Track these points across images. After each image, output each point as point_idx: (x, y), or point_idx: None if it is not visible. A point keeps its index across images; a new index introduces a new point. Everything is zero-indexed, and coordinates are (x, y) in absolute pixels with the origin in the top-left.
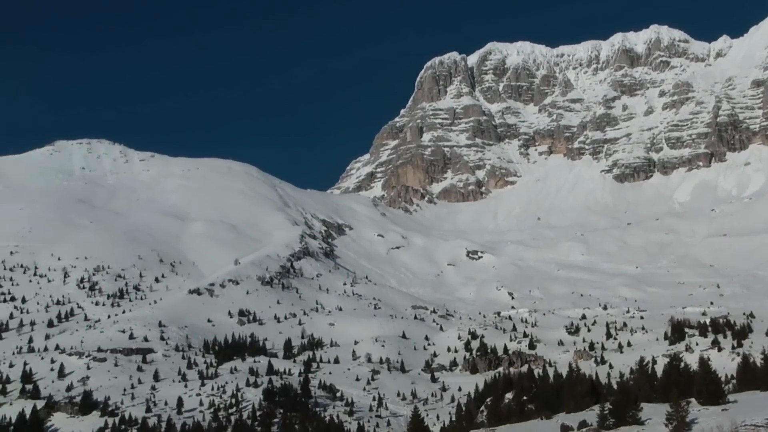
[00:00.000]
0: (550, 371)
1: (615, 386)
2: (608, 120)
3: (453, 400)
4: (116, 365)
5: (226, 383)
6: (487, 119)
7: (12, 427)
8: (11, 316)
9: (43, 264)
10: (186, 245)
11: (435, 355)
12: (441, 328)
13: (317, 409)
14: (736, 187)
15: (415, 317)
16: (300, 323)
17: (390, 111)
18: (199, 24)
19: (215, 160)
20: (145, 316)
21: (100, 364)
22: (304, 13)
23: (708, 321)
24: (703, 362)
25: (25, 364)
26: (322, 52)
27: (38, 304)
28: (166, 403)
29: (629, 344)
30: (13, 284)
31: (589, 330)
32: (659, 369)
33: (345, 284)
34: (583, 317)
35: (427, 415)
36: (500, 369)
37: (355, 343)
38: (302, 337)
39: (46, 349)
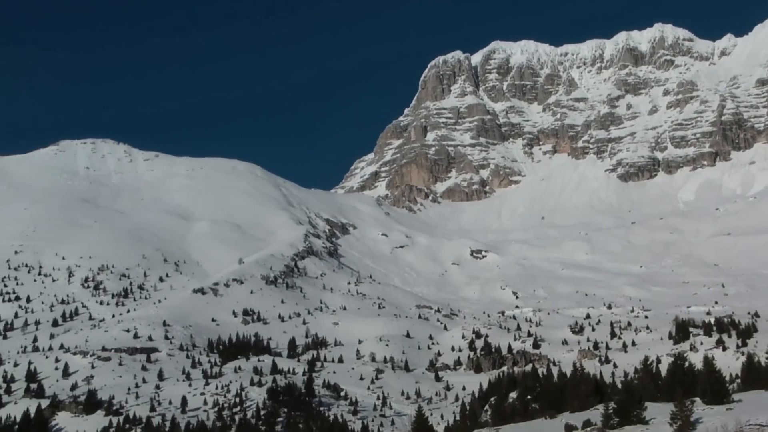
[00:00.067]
0: (555, 371)
1: (619, 386)
2: (612, 119)
3: (457, 399)
4: (120, 364)
5: (230, 382)
6: (491, 118)
7: (17, 426)
8: (16, 316)
9: (47, 263)
10: (190, 245)
11: (439, 354)
12: (445, 328)
13: (321, 408)
14: (741, 186)
15: (420, 316)
16: (304, 322)
17: (394, 110)
18: (200, 24)
19: (219, 160)
20: (150, 316)
21: (105, 363)
22: (308, 12)
23: (712, 320)
24: (708, 362)
25: (30, 363)
26: (326, 51)
27: (43, 303)
28: (170, 403)
29: (633, 344)
30: (17, 284)
31: (593, 329)
32: (663, 368)
33: (349, 283)
34: (588, 316)
35: (431, 414)
36: (504, 368)
37: (359, 342)
38: (306, 337)
39: (50, 349)
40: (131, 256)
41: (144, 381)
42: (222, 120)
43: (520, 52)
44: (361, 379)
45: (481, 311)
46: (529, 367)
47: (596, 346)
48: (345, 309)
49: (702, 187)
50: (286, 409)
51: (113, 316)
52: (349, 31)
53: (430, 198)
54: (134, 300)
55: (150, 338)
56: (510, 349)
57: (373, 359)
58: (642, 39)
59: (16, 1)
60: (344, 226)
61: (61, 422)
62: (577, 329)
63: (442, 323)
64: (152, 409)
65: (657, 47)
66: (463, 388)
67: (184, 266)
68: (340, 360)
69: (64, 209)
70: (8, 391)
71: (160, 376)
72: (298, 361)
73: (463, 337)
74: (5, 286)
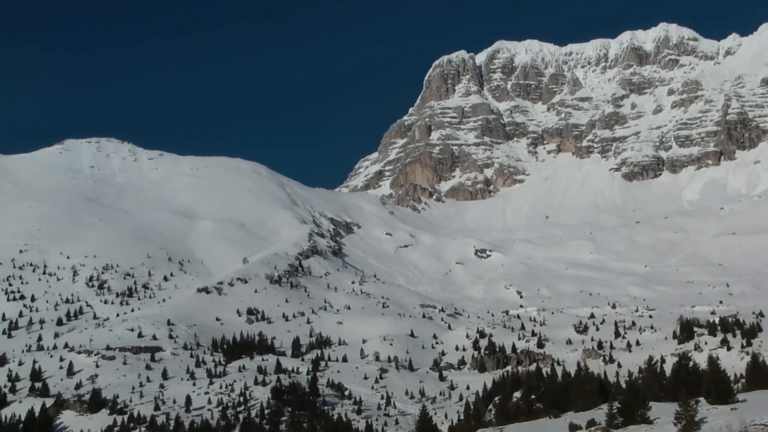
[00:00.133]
0: (559, 370)
1: (623, 385)
2: (617, 118)
3: (461, 398)
4: (125, 363)
5: (235, 381)
6: (495, 118)
7: (21, 425)
8: (21, 315)
9: (52, 262)
10: (194, 244)
11: (443, 353)
12: (449, 327)
13: (325, 407)
14: (746, 186)
15: (424, 316)
16: (308, 322)
17: (398, 109)
18: (200, 24)
19: (224, 159)
20: (154, 315)
21: (109, 362)
22: (308, 12)
23: (717, 320)
24: (712, 361)
25: (35, 362)
26: (327, 51)
27: (47, 302)
28: (174, 402)
29: (638, 343)
30: (22, 282)
31: (597, 329)
32: (668, 368)
33: (353, 283)
34: (592, 316)
35: (436, 413)
36: (508, 368)
37: (364, 341)
38: (310, 336)
39: (55, 348)
40: (136, 255)
41: (148, 380)
42: (225, 119)
43: (525, 51)
44: (366, 378)
45: (486, 311)
46: (533, 367)
47: (600, 345)
48: (349, 308)
49: (707, 186)
50: (290, 409)
51: (117, 315)
52: (350, 31)
53: (434, 197)
54: (138, 299)
55: (154, 337)
56: (514, 349)
57: (377, 358)
58: (646, 38)
59: (16, 1)
60: (348, 226)
61: (66, 421)
62: (582, 329)
63: (446, 322)
64: (156, 408)
65: (661, 47)
66: (468, 388)
67: (188, 265)
68: (344, 359)
69: (68, 208)
70: (13, 390)
71: (165, 375)
72: (302, 360)
73: (468, 336)
74: (10, 285)
